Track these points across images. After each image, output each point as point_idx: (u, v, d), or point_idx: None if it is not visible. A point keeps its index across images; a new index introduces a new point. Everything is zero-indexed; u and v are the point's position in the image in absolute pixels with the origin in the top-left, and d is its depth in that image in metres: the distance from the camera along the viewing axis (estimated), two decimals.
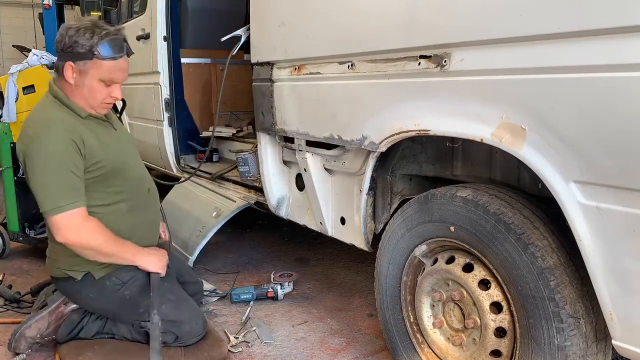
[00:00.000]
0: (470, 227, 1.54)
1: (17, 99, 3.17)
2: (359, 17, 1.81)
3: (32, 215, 3.37)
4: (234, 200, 3.04)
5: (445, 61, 1.50)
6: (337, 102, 1.99)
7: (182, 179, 3.48)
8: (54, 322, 2.16)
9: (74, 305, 2.19)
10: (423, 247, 1.76)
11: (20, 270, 3.14)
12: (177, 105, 3.70)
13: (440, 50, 1.52)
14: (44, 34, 7.19)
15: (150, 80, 3.79)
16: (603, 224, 1.21)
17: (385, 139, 1.77)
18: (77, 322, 2.16)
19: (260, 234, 3.88)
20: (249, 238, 3.77)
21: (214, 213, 3.02)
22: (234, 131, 3.71)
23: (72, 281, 2.08)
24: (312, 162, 2.25)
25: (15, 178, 3.25)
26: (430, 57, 1.56)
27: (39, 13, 8.15)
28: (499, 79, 1.37)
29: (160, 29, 3.56)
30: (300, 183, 2.47)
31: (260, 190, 2.77)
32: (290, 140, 2.35)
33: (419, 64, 1.60)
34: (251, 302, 2.64)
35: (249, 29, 2.56)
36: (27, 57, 3.28)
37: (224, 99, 3.21)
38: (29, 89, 3.15)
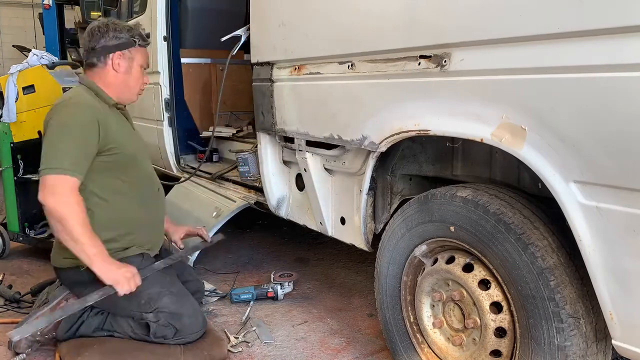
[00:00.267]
0: (470, 227, 1.54)
1: (17, 99, 3.16)
2: (359, 17, 1.81)
3: (32, 215, 3.37)
4: (234, 200, 3.04)
5: (445, 61, 1.50)
6: (337, 102, 1.99)
7: (182, 179, 3.48)
8: (57, 314, 2.15)
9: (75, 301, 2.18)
10: (423, 247, 1.76)
11: (20, 270, 3.14)
12: (177, 105, 3.70)
13: (440, 50, 1.52)
14: (44, 34, 7.19)
15: (150, 80, 3.79)
16: (603, 224, 1.20)
17: (385, 139, 1.77)
18: (77, 317, 2.16)
19: (260, 234, 3.88)
20: (249, 238, 3.77)
21: (214, 213, 3.02)
22: (234, 131, 3.71)
23: (77, 271, 2.08)
24: (312, 162, 2.25)
25: (15, 178, 3.25)
26: (430, 57, 1.56)
27: (39, 13, 8.14)
28: (499, 79, 1.37)
29: (160, 29, 3.56)
30: (300, 183, 2.47)
31: (260, 190, 2.77)
32: (290, 140, 2.35)
33: (419, 64, 1.60)
34: (251, 302, 2.64)
35: (249, 29, 2.56)
36: (27, 57, 3.27)
37: (224, 99, 3.20)
38: (29, 89, 3.14)
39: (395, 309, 1.91)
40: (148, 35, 2.26)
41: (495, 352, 1.57)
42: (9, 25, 11.69)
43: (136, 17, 3.93)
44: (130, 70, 2.19)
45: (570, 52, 1.19)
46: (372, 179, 1.96)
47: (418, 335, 1.85)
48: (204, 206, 3.20)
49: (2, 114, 3.26)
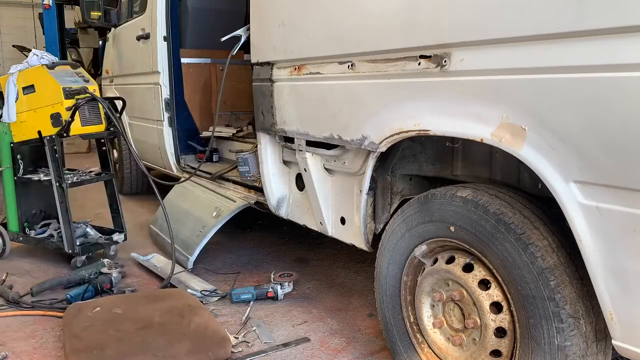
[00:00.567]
0: (470, 227, 1.54)
1: (17, 99, 3.16)
2: (359, 17, 1.81)
3: (32, 215, 3.37)
4: (234, 200, 3.04)
5: (445, 61, 1.50)
6: (337, 102, 1.99)
7: (182, 179, 3.48)
8: None
9: None
10: (423, 247, 1.76)
11: (21, 270, 3.14)
12: (177, 105, 3.71)
13: (440, 50, 1.52)
14: (44, 34, 7.18)
15: (150, 80, 3.79)
16: (603, 224, 1.21)
17: (385, 139, 1.77)
18: None
19: (260, 234, 3.88)
20: (249, 238, 3.77)
21: (214, 213, 3.03)
22: (234, 131, 3.71)
23: None
24: (312, 162, 2.25)
25: (15, 178, 3.25)
26: (430, 57, 1.56)
27: (39, 13, 8.14)
28: (499, 79, 1.37)
29: (160, 29, 3.57)
30: (300, 183, 2.47)
31: (260, 190, 2.77)
32: (290, 140, 2.35)
33: (419, 64, 1.60)
34: (251, 302, 2.64)
35: (249, 29, 2.56)
36: (27, 57, 3.26)
37: (224, 99, 3.21)
38: (29, 89, 3.14)
39: (395, 309, 1.91)
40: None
41: (495, 352, 1.57)
42: (9, 25, 11.68)
43: (136, 17, 3.93)
44: None
45: (570, 52, 1.19)
46: (372, 179, 1.96)
47: (418, 335, 1.85)
48: (204, 206, 3.20)
49: (2, 114, 3.26)
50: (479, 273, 1.59)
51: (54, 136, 3.02)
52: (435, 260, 1.74)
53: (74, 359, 2.02)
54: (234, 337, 2.30)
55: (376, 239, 2.04)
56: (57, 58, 3.38)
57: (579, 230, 1.25)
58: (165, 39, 3.57)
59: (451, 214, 1.60)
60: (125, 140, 3.22)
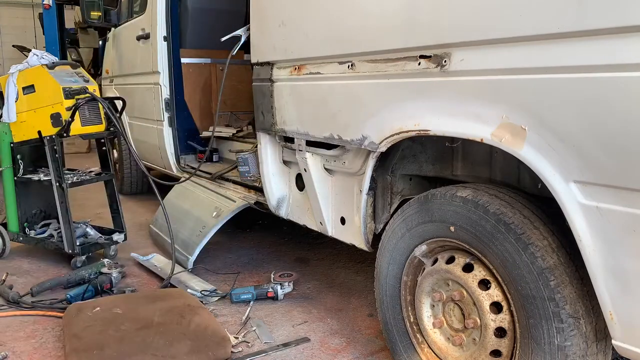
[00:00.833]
0: (470, 227, 1.54)
1: (17, 99, 3.16)
2: (358, 17, 1.81)
3: (32, 215, 3.37)
4: (234, 200, 3.04)
5: (445, 61, 1.50)
6: (337, 102, 1.99)
7: (182, 179, 3.48)
8: None
9: None
10: (423, 247, 1.76)
11: (20, 270, 3.14)
12: (177, 105, 3.71)
13: (440, 50, 1.52)
14: (44, 34, 7.18)
15: (150, 80, 3.79)
16: (603, 224, 1.21)
17: (385, 139, 1.77)
18: None
19: (260, 234, 3.88)
20: (249, 238, 3.77)
21: (214, 213, 3.02)
22: (234, 131, 3.71)
23: None
24: (312, 162, 2.25)
25: (15, 178, 3.25)
26: (430, 57, 1.56)
27: (39, 13, 8.13)
28: (499, 79, 1.37)
29: (160, 29, 3.57)
30: (300, 183, 2.47)
31: (260, 190, 2.77)
32: (290, 140, 2.35)
33: (419, 64, 1.60)
34: (251, 302, 2.64)
35: (249, 29, 2.56)
36: (27, 57, 3.26)
37: (224, 99, 3.21)
38: (29, 89, 3.14)
39: (395, 309, 1.91)
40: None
41: (495, 352, 1.57)
42: (9, 25, 11.69)
43: (136, 17, 3.93)
44: None
45: (570, 52, 1.19)
46: (372, 179, 1.96)
47: (418, 335, 1.85)
48: (204, 206, 3.20)
49: (2, 114, 3.26)
50: (479, 273, 1.59)
51: (54, 136, 3.02)
52: (435, 260, 1.74)
53: (74, 359, 2.02)
54: (234, 337, 2.30)
55: (376, 239, 2.04)
56: (57, 58, 3.38)
57: (579, 230, 1.25)
58: (165, 39, 3.57)
59: (451, 214, 1.60)
60: (125, 140, 3.22)
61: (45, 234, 3.30)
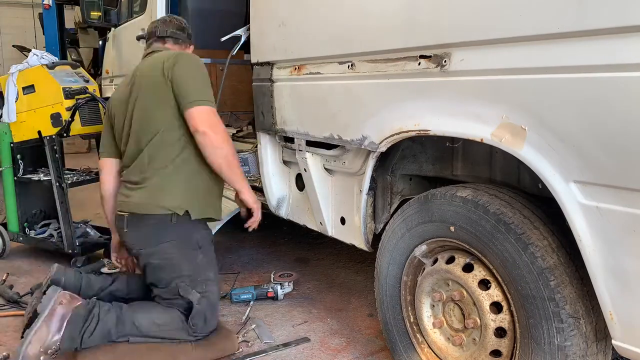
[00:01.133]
0: (470, 227, 1.54)
1: (17, 99, 3.16)
2: (358, 17, 1.81)
3: (32, 215, 3.37)
4: (234, 200, 3.03)
5: (445, 61, 1.50)
6: (337, 102, 1.99)
7: None
8: (56, 324, 1.99)
9: (67, 302, 2.05)
10: (423, 247, 1.76)
11: (20, 270, 3.14)
12: None
13: (440, 50, 1.52)
14: (44, 34, 7.18)
15: None
16: (603, 224, 1.20)
17: (385, 139, 1.77)
18: (85, 317, 2.00)
19: (260, 234, 3.88)
20: (249, 238, 3.77)
21: None
22: (234, 131, 3.70)
23: (165, 222, 2.10)
24: (312, 162, 2.25)
25: (15, 178, 3.25)
26: (430, 57, 1.56)
27: (39, 13, 8.13)
28: (499, 79, 1.36)
29: None
30: (300, 183, 2.47)
31: (260, 190, 2.77)
32: (290, 140, 2.35)
33: (419, 64, 1.60)
34: (251, 302, 2.64)
35: (249, 29, 2.56)
36: (27, 57, 3.26)
37: (224, 99, 3.21)
38: (29, 89, 3.14)
39: (395, 309, 1.91)
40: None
41: (495, 352, 1.57)
42: (9, 25, 11.69)
43: (136, 17, 3.93)
44: None
45: (570, 52, 1.19)
46: (372, 179, 1.96)
47: (418, 335, 1.85)
48: None
49: (2, 114, 3.26)
50: (479, 273, 1.59)
51: (54, 136, 3.03)
52: (435, 260, 1.74)
53: (86, 354, 2.02)
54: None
55: (376, 239, 2.04)
56: (57, 58, 3.38)
57: (579, 230, 1.25)
58: None
59: (451, 214, 1.59)
60: None
61: (45, 234, 3.30)
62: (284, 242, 3.69)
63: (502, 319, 1.53)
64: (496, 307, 1.55)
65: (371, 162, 1.89)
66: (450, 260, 1.68)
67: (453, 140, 1.68)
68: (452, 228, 1.60)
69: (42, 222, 3.38)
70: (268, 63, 2.38)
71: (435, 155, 1.95)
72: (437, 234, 1.68)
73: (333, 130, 2.02)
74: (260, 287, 2.72)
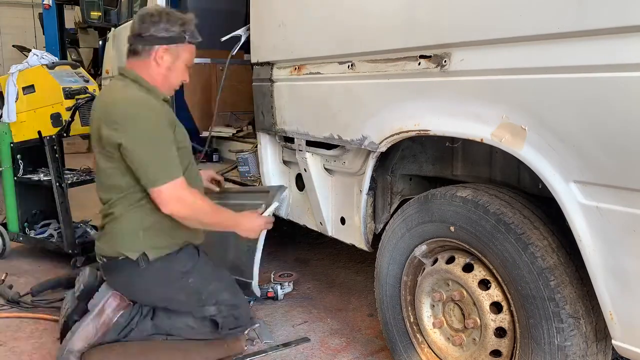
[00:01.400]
0: (470, 227, 1.54)
1: (17, 99, 3.16)
2: (358, 17, 1.81)
3: (32, 215, 3.36)
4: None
5: (445, 61, 1.50)
6: (337, 102, 1.99)
7: None
8: (102, 327, 2.04)
9: (116, 305, 2.08)
10: (423, 247, 1.76)
11: (20, 270, 3.14)
12: (177, 105, 3.70)
13: (440, 50, 1.52)
14: (44, 34, 7.20)
15: None
16: (603, 224, 1.20)
17: (385, 139, 1.77)
18: (124, 326, 2.06)
19: None
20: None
21: None
22: (234, 131, 3.70)
23: (134, 268, 1.97)
24: (312, 162, 2.25)
25: (15, 178, 3.25)
26: (430, 57, 1.56)
27: (39, 13, 8.15)
28: (499, 79, 1.36)
29: None
30: (300, 183, 2.47)
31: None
32: (290, 140, 2.35)
33: (419, 64, 1.60)
34: (251, 302, 2.64)
35: (249, 29, 2.56)
36: (27, 57, 3.26)
37: (224, 99, 3.20)
38: (29, 89, 3.14)
39: (395, 309, 1.91)
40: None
41: (495, 352, 1.57)
42: (9, 25, 11.70)
43: None
44: (173, 66, 2.04)
45: (570, 52, 1.19)
46: (372, 179, 1.96)
47: (418, 335, 1.85)
48: None
49: (2, 114, 3.26)
50: (479, 273, 1.59)
51: (54, 136, 3.02)
52: (435, 260, 1.74)
53: (95, 352, 2.02)
54: None
55: (376, 239, 2.04)
56: (57, 58, 3.38)
57: (579, 230, 1.25)
58: None
59: (451, 214, 1.60)
60: None
61: (45, 234, 3.30)
62: (284, 242, 3.69)
63: (502, 319, 1.53)
64: (496, 307, 1.55)
65: (371, 162, 1.89)
66: (450, 260, 1.68)
67: (453, 140, 1.68)
68: (452, 228, 1.60)
69: (42, 222, 3.38)
70: (268, 63, 2.38)
71: (435, 155, 1.95)
72: (437, 234, 1.68)
73: (333, 130, 2.02)
74: (260, 287, 2.72)
